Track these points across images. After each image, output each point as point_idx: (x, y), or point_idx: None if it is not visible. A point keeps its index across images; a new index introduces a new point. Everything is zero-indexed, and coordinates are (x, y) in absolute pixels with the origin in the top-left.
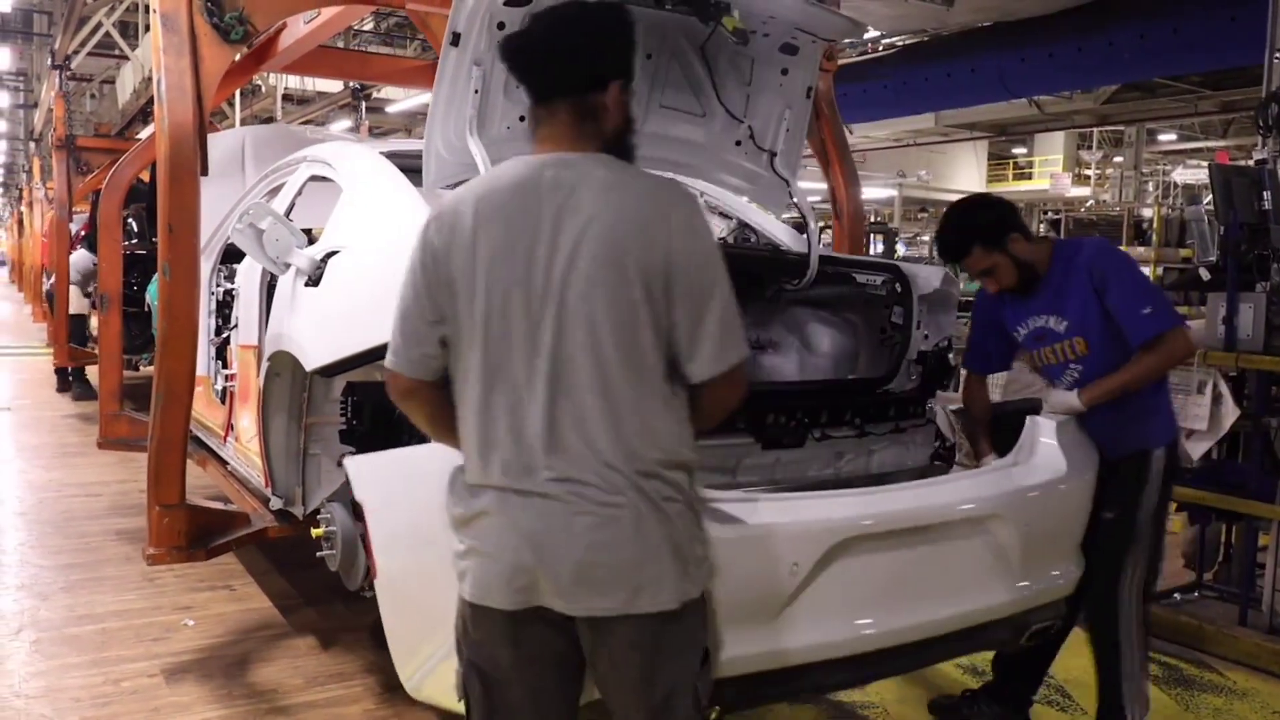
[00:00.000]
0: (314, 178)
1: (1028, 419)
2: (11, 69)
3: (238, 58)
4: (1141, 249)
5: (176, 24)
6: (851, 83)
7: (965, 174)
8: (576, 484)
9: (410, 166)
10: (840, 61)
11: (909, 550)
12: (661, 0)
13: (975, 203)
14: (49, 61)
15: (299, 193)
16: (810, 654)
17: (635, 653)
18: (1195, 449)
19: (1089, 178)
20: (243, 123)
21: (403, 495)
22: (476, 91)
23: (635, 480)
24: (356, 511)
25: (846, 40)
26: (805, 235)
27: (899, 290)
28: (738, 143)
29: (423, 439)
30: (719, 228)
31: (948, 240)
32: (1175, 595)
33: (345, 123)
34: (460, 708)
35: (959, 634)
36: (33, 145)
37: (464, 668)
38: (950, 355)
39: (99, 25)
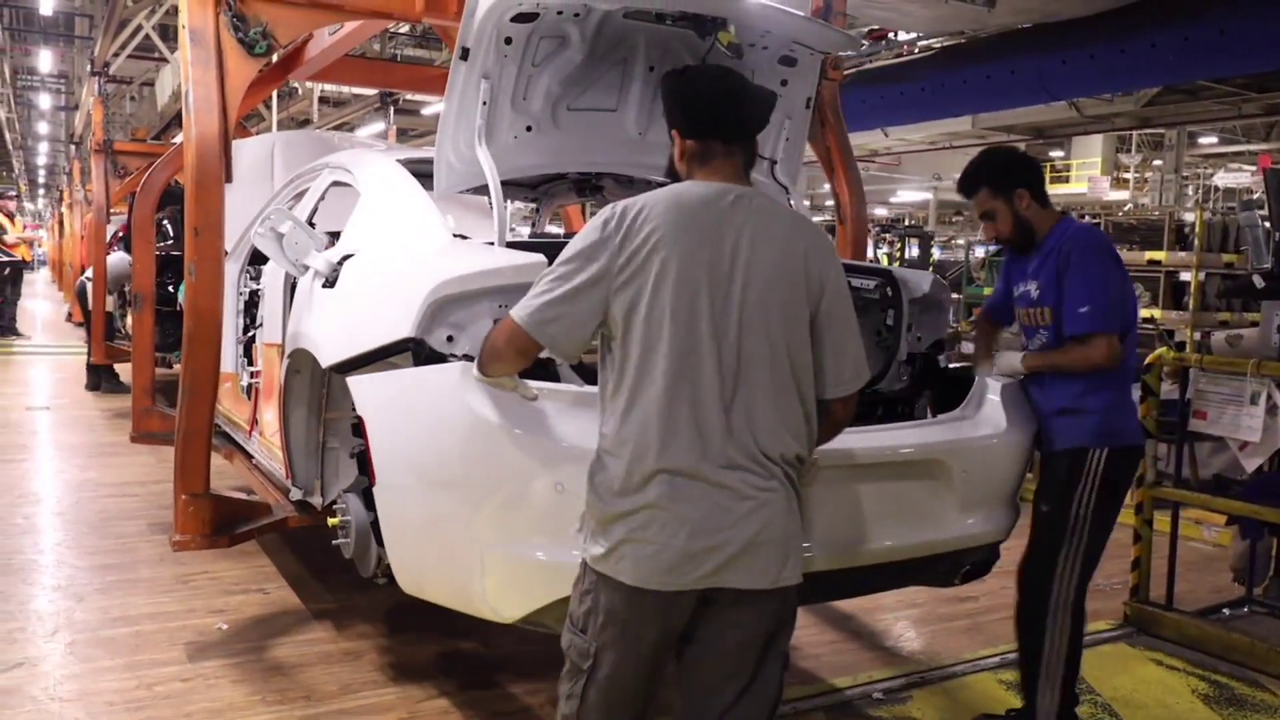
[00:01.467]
0: (335, 183)
1: (977, 377)
2: (53, 72)
3: (262, 70)
4: (1183, 254)
5: (204, 38)
6: (888, 85)
7: None
8: (743, 471)
9: (424, 173)
10: (877, 64)
11: (859, 485)
12: (663, 16)
13: (1002, 151)
14: (89, 67)
15: (321, 197)
16: None
17: (772, 622)
18: (1249, 462)
19: (1127, 181)
20: (280, 124)
21: (401, 411)
22: (485, 103)
23: (784, 469)
24: (359, 429)
25: (881, 43)
26: None
27: (890, 294)
28: None
29: None
30: None
31: (966, 174)
32: (1224, 611)
33: (380, 125)
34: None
35: (901, 564)
36: (73, 148)
37: (593, 642)
38: (942, 357)
39: (139, 28)
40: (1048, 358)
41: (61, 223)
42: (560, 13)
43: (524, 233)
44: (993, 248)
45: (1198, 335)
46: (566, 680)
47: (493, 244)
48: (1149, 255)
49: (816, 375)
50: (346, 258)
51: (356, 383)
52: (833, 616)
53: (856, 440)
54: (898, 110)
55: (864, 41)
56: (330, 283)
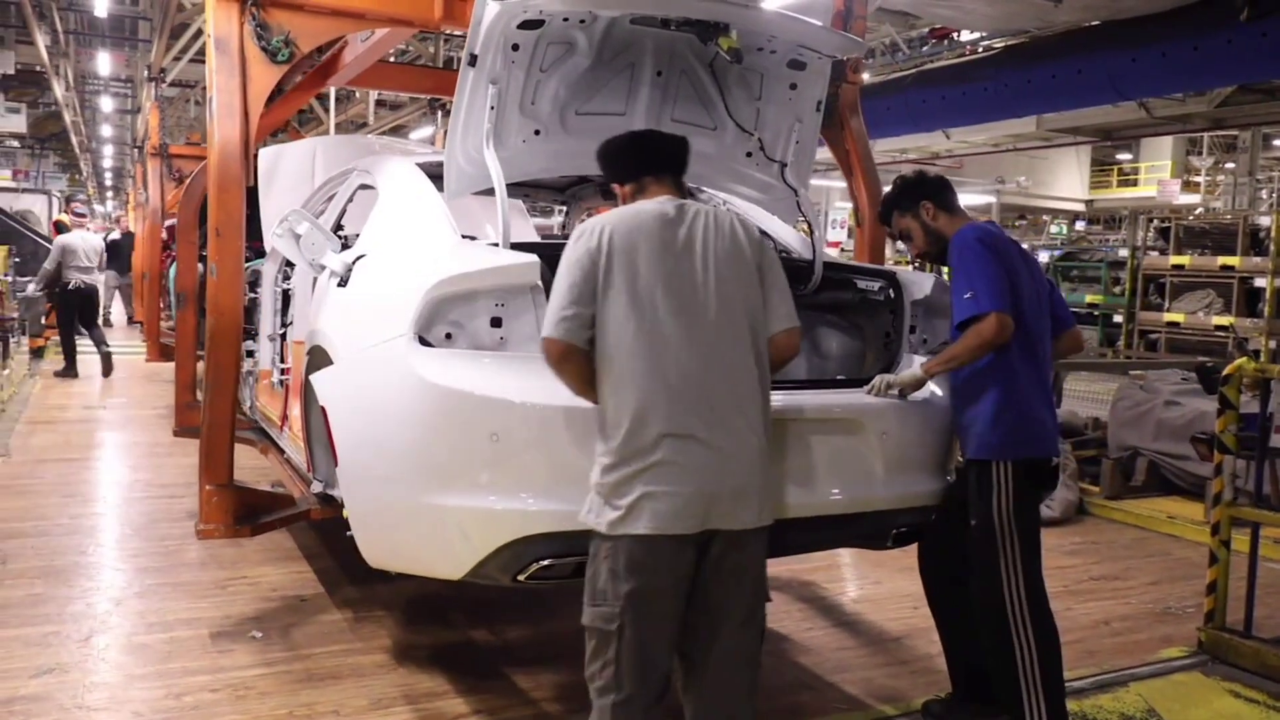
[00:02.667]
0: (362, 186)
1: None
2: (117, 75)
3: (299, 76)
4: (1258, 259)
5: (228, 47)
6: (950, 85)
7: (1066, 180)
8: (728, 429)
9: (441, 175)
10: (939, 64)
11: (784, 437)
12: (667, 21)
13: (903, 175)
14: (146, 74)
15: (350, 200)
16: None
17: (758, 557)
18: None
19: (1198, 184)
20: (337, 127)
21: (354, 393)
22: (492, 108)
23: (759, 424)
24: (325, 418)
25: (944, 42)
26: (811, 243)
27: (892, 296)
28: (748, 154)
29: None
30: None
31: (880, 206)
32: None
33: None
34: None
35: (831, 520)
36: (136, 152)
37: (619, 602)
38: None
39: (199, 33)
40: (943, 356)
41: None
42: (566, 19)
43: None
44: (1057, 253)
45: (1274, 344)
46: (597, 656)
47: (497, 245)
48: (1222, 261)
49: (765, 315)
50: (360, 257)
51: (317, 378)
52: (883, 637)
53: (793, 399)
54: (960, 111)
55: (862, 42)
56: (344, 282)
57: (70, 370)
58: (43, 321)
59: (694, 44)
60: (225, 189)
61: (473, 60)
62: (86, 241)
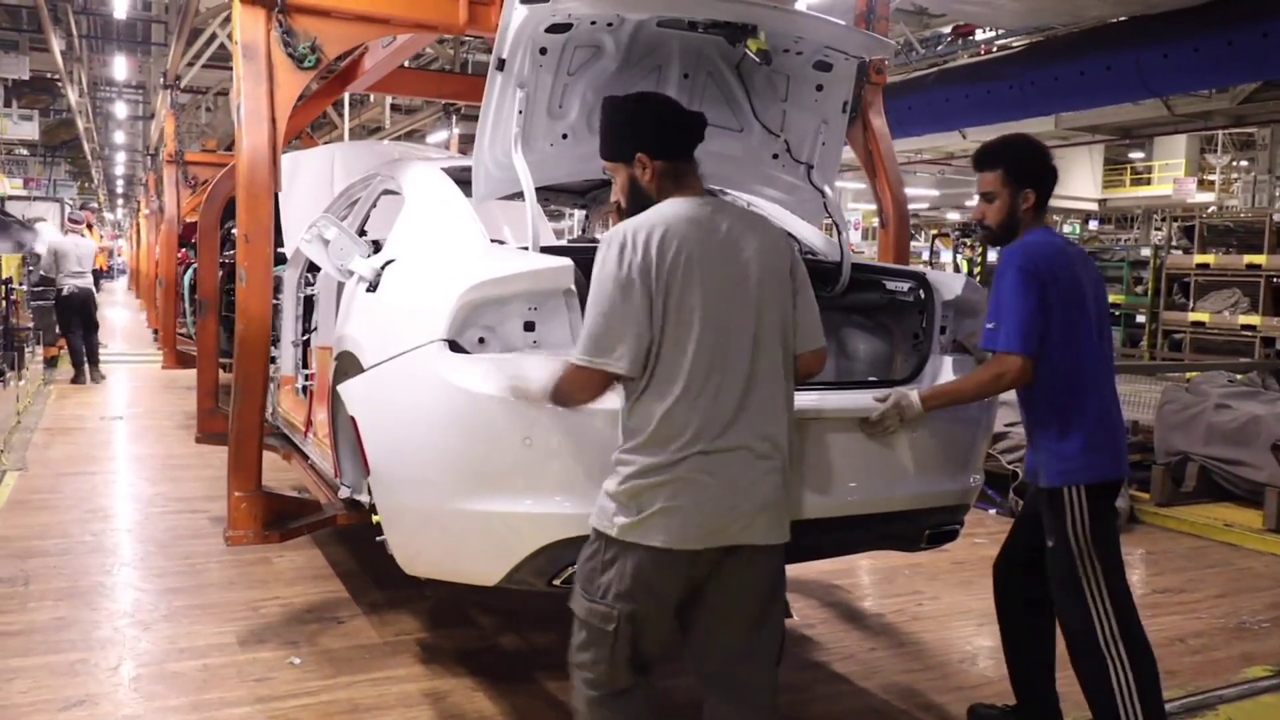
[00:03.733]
0: (386, 191)
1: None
2: (130, 81)
3: (316, 83)
4: None
5: (256, 53)
6: (974, 83)
7: (1079, 179)
8: (754, 448)
9: (469, 180)
10: (962, 62)
11: (812, 436)
12: (695, 23)
13: (1035, 145)
14: (162, 80)
15: (374, 205)
16: None
17: (776, 573)
18: None
19: (1213, 183)
20: (351, 131)
21: (385, 401)
22: (520, 112)
23: (784, 444)
24: (354, 427)
25: (958, 41)
26: (839, 244)
27: (923, 297)
28: (775, 156)
29: None
30: None
31: (990, 147)
32: None
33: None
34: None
35: (863, 520)
36: (149, 159)
37: (616, 604)
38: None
39: (213, 37)
40: (948, 389)
41: (139, 232)
42: (594, 22)
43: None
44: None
45: None
46: (588, 648)
47: (527, 249)
48: (1248, 259)
49: (796, 333)
50: (389, 263)
51: (345, 388)
52: (951, 658)
53: (815, 398)
54: (984, 110)
55: (890, 42)
56: (373, 287)
57: (80, 377)
58: (57, 331)
59: (721, 46)
60: (254, 195)
61: (501, 64)
62: (79, 246)
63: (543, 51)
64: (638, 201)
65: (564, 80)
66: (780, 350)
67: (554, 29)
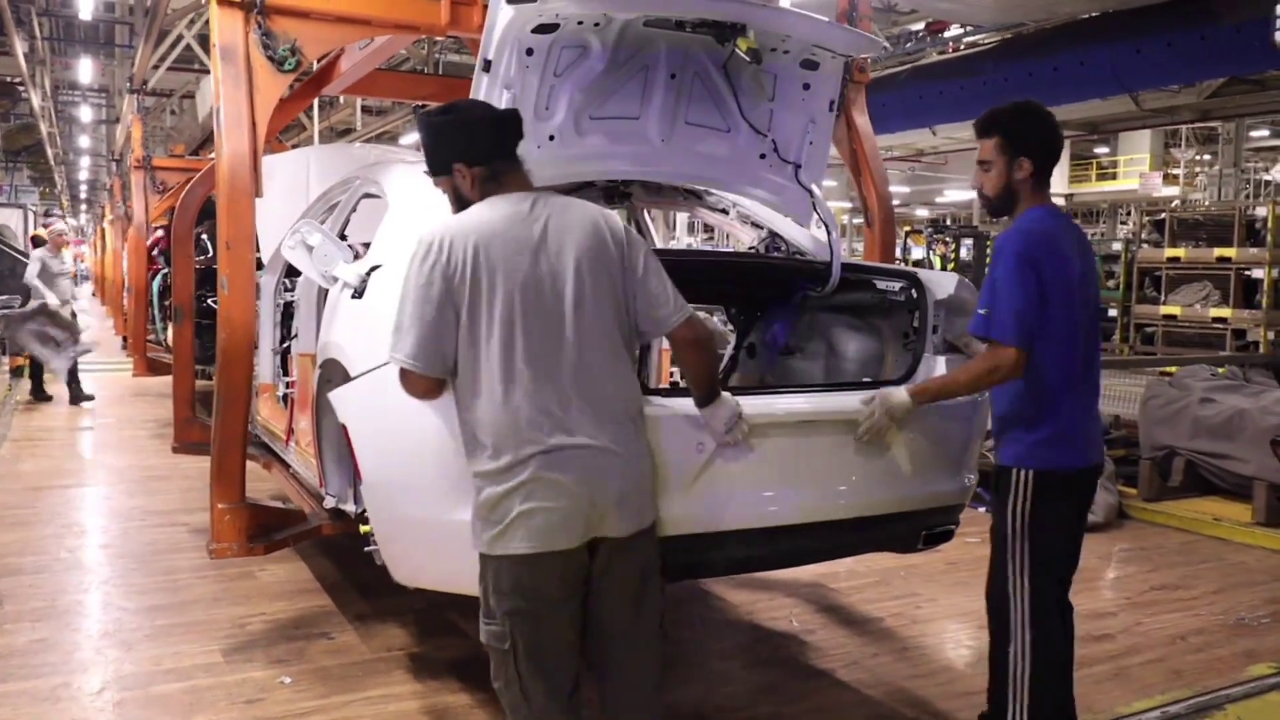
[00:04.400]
0: (367, 195)
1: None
2: (94, 85)
3: (293, 86)
4: (1255, 250)
5: (234, 56)
6: (947, 80)
7: None
8: (598, 437)
9: None
10: (935, 59)
11: (806, 440)
12: (683, 22)
13: (1037, 112)
14: (128, 83)
15: (353, 209)
16: (724, 523)
17: (644, 559)
18: None
19: (1178, 177)
20: (321, 134)
21: (374, 410)
22: None
23: (631, 426)
24: (346, 436)
25: (926, 39)
26: (829, 244)
27: (915, 296)
28: (762, 156)
29: None
30: (750, 237)
31: (992, 112)
32: None
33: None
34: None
35: (860, 522)
36: (114, 164)
37: (505, 620)
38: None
39: (178, 40)
40: (941, 381)
41: (104, 238)
42: (580, 22)
43: None
44: None
45: (1272, 335)
46: (498, 674)
47: None
48: (1218, 252)
49: (646, 317)
50: (375, 269)
51: (336, 396)
52: (955, 662)
53: (800, 401)
54: (959, 106)
55: (886, 45)
56: (359, 293)
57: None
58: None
59: (709, 45)
60: (235, 200)
61: (487, 66)
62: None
63: (529, 52)
64: (465, 209)
65: (550, 82)
66: (612, 338)
67: (540, 29)
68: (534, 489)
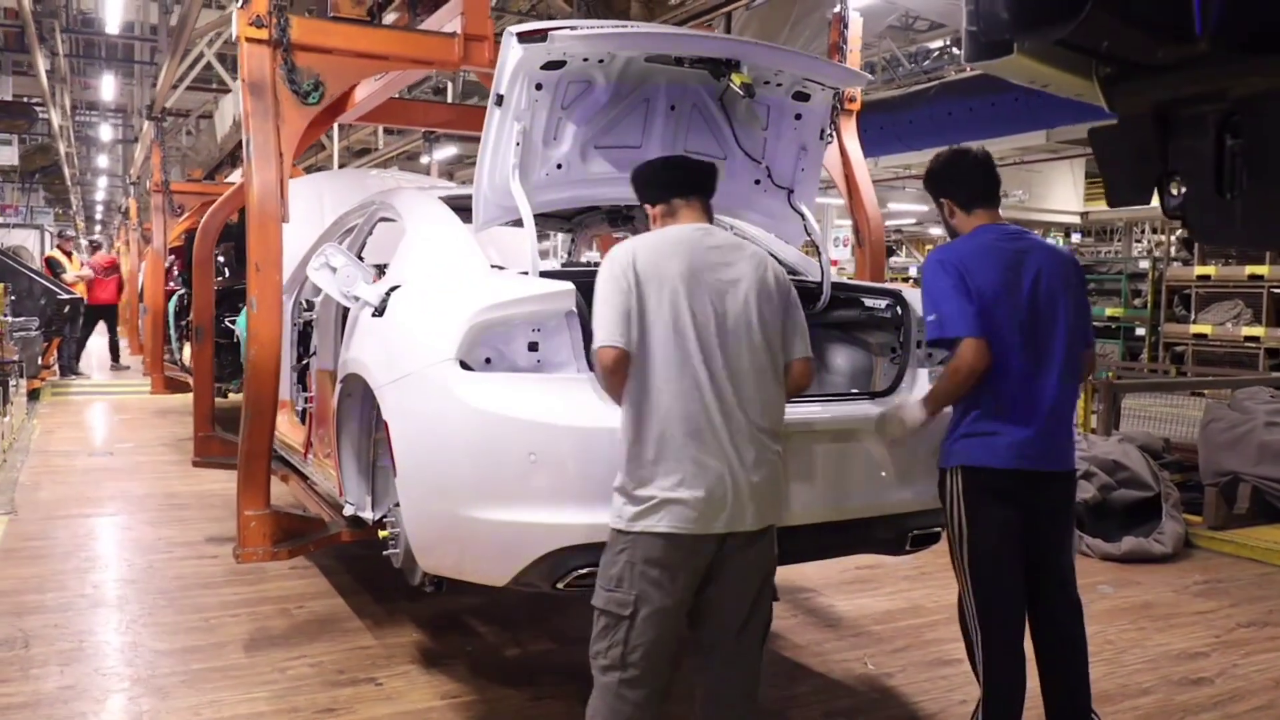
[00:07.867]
0: (383, 219)
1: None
2: (112, 105)
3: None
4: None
5: (262, 90)
6: (979, 96)
7: (1061, 193)
8: (745, 442)
9: (464, 207)
10: (962, 75)
11: (797, 448)
12: (682, 59)
13: (942, 156)
14: (146, 111)
15: (369, 232)
16: None
17: (770, 557)
18: None
19: None
20: (340, 154)
21: (412, 410)
22: (518, 144)
23: (773, 437)
24: (387, 431)
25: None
26: (820, 264)
27: (899, 313)
28: (757, 181)
29: None
30: None
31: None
32: None
33: (439, 153)
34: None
35: (850, 524)
36: (131, 187)
37: (635, 586)
38: None
39: (198, 58)
40: (935, 392)
41: (120, 258)
42: (586, 59)
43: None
44: None
45: None
46: (604, 636)
47: (527, 274)
48: (1250, 269)
49: (783, 345)
50: (394, 288)
51: (382, 391)
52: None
53: (794, 411)
54: (989, 123)
55: (865, 75)
56: (380, 312)
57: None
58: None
59: (705, 79)
60: (264, 225)
61: (499, 100)
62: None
63: (539, 87)
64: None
65: (558, 114)
66: (769, 354)
67: (549, 65)
68: (682, 479)
